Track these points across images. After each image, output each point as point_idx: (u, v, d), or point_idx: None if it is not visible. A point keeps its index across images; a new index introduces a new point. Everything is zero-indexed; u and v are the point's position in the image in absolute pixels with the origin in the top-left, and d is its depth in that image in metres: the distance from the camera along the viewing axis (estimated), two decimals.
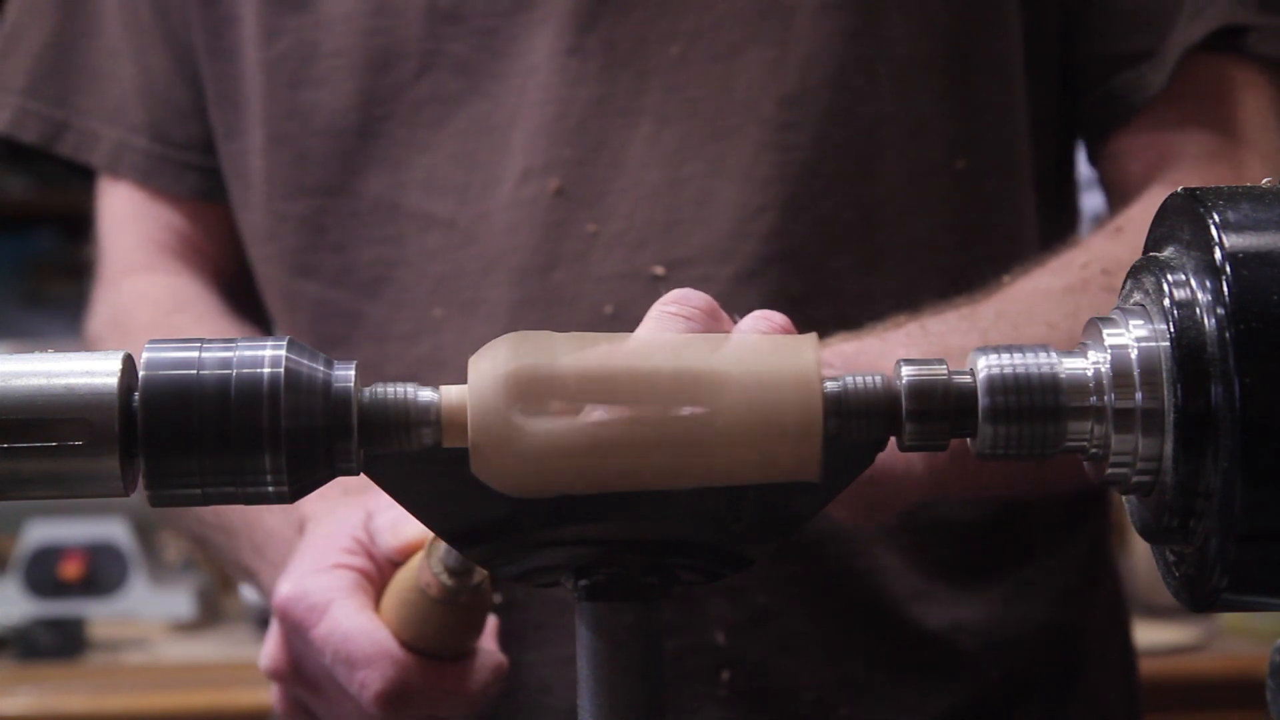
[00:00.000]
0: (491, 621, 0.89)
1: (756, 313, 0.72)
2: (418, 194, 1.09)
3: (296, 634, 0.87)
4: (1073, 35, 1.13)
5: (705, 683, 1.03)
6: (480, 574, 0.82)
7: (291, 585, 0.88)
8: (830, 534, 1.04)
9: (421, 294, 1.08)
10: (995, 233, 1.10)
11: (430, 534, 0.83)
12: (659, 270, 1.04)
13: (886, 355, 0.90)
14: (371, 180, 1.10)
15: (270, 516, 1.03)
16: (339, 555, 0.88)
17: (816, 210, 1.04)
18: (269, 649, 0.91)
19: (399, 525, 0.87)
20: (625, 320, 1.02)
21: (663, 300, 0.70)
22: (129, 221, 1.22)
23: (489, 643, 0.89)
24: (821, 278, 1.05)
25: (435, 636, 0.85)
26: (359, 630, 0.85)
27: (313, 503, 0.96)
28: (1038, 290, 0.99)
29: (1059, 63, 1.14)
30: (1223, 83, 1.12)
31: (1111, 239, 1.04)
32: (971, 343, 0.91)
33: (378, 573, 0.88)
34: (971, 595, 1.09)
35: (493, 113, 1.08)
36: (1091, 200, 1.27)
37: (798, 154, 1.05)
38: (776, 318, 0.72)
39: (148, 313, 1.16)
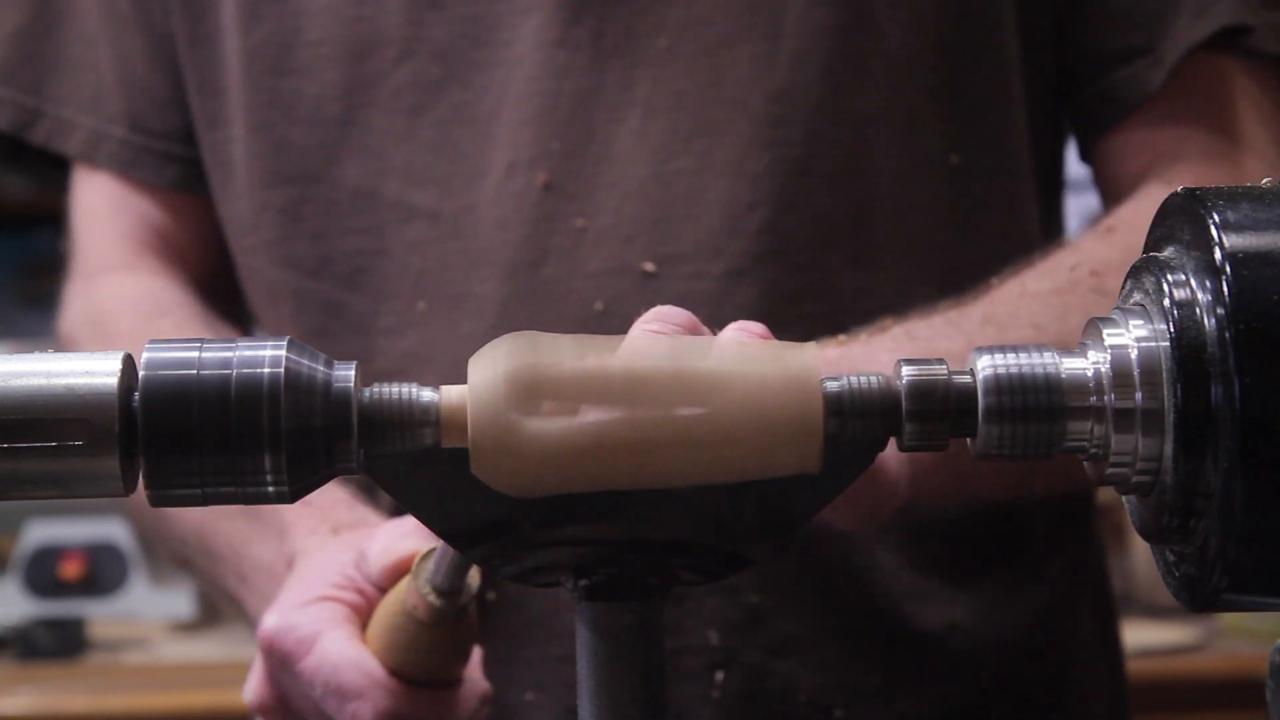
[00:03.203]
0: (476, 651, 0.88)
1: (734, 324, 0.72)
2: (397, 184, 1.08)
3: (283, 667, 0.87)
4: (1067, 30, 1.13)
5: (699, 683, 1.03)
6: (467, 595, 0.81)
7: (278, 618, 0.87)
8: (825, 533, 1.04)
9: (405, 286, 1.07)
10: (990, 228, 1.10)
11: (418, 555, 0.83)
12: (649, 266, 1.04)
13: (871, 360, 0.90)
14: (350, 169, 1.09)
15: (258, 546, 1.02)
16: (327, 589, 0.88)
17: (808, 207, 1.04)
18: (254, 683, 0.90)
19: (390, 547, 0.87)
20: (616, 316, 1.02)
21: (644, 318, 0.71)
22: (106, 215, 1.21)
23: (474, 671, 0.88)
24: (813, 275, 1.04)
25: (424, 662, 0.84)
26: (348, 661, 0.84)
27: (304, 538, 0.96)
28: (1025, 292, 0.99)
29: (1053, 58, 1.13)
30: (1221, 81, 1.11)
31: (1102, 239, 1.04)
32: (957, 347, 0.91)
33: (367, 607, 0.88)
34: (965, 595, 1.09)
35: (474, 102, 1.07)
36: (1080, 202, 1.26)
37: (789, 150, 1.04)
38: (754, 327, 0.72)
39: (128, 318, 1.15)
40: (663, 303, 0.72)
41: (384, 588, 0.87)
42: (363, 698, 0.83)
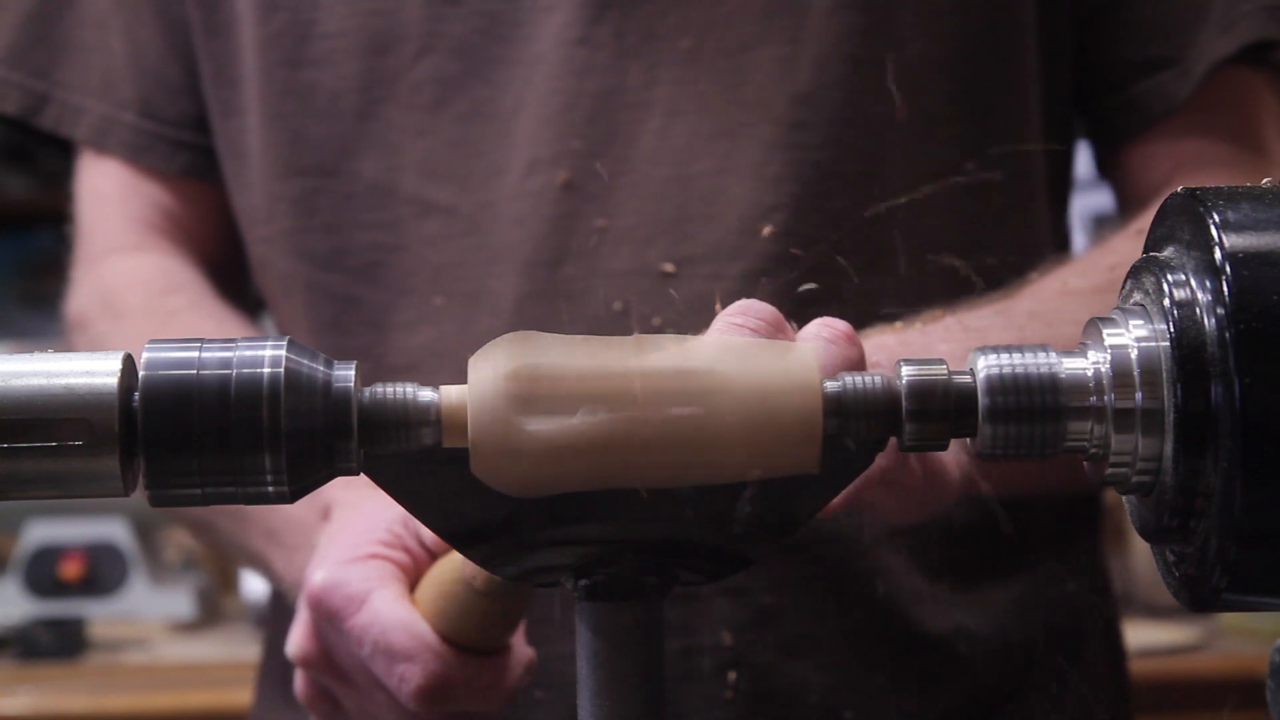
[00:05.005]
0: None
1: (819, 320, 0.72)
2: (415, 179, 1.08)
3: (331, 623, 0.86)
4: (1090, 41, 1.13)
5: (712, 683, 1.03)
6: None
7: (327, 573, 0.87)
8: (835, 535, 1.04)
9: (421, 281, 1.07)
10: (1004, 235, 1.10)
11: None
12: (669, 267, 1.03)
13: (928, 349, 0.89)
14: (367, 163, 1.09)
15: None
16: (376, 546, 0.87)
17: (826, 210, 1.04)
18: (297, 637, 0.90)
19: None
20: (634, 317, 1.02)
21: (728, 311, 0.70)
22: (115, 199, 1.20)
23: (520, 639, 0.88)
24: (830, 278, 1.04)
25: (475, 630, 0.84)
26: (399, 622, 0.84)
27: (340, 489, 0.95)
28: (1067, 290, 0.99)
29: (1072, 67, 1.13)
30: (1246, 95, 1.11)
31: (1134, 241, 1.04)
32: (1009, 340, 0.90)
33: (414, 568, 0.87)
34: (973, 598, 1.09)
35: (494, 99, 1.07)
36: (1083, 202, 1.26)
37: (809, 153, 1.04)
38: (839, 325, 0.72)
39: (139, 294, 1.14)
40: (678, 304, 0.72)
41: (436, 553, 0.87)
42: (412, 660, 0.83)
